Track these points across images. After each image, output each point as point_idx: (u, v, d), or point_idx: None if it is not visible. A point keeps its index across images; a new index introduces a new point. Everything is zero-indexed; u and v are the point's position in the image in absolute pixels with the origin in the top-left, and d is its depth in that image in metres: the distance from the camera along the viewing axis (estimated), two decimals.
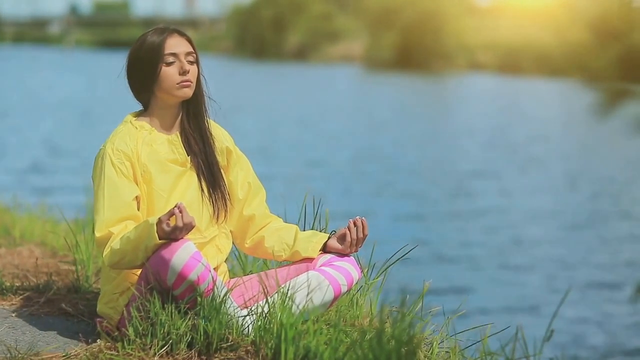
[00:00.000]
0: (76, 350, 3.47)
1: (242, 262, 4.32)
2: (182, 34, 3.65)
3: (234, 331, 3.39)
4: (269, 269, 3.93)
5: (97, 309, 3.66)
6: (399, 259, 3.97)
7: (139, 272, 3.52)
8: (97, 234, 3.48)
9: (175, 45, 3.60)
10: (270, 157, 17.34)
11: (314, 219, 4.12)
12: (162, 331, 3.35)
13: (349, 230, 3.70)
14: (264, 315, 3.38)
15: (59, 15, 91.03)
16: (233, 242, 3.85)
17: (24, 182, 14.13)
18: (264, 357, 3.31)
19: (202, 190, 3.68)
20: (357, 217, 3.73)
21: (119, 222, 3.48)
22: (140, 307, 3.40)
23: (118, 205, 3.49)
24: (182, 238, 3.36)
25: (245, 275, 3.91)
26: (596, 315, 8.33)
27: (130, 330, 3.39)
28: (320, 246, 3.72)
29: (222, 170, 3.76)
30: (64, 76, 41.53)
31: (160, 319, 3.35)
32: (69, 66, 50.66)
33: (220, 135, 3.80)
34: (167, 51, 3.58)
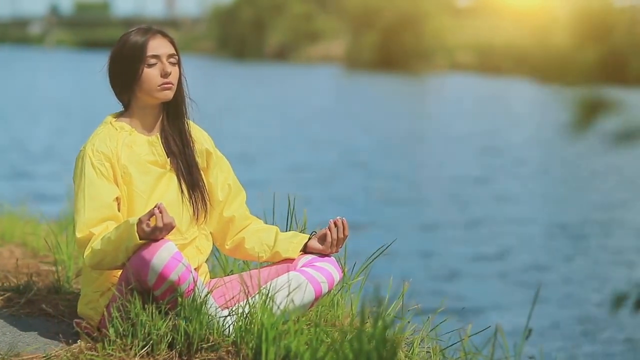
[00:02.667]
0: (56, 351, 3.46)
1: (222, 263, 4.32)
2: (165, 35, 3.65)
3: (215, 332, 3.39)
4: (250, 270, 3.93)
5: (78, 310, 3.66)
6: (377, 256, 3.98)
7: (119, 272, 3.52)
8: (78, 235, 3.47)
9: (158, 46, 3.59)
10: (250, 159, 17.29)
11: (291, 220, 4.12)
12: (142, 332, 3.35)
13: (330, 231, 3.71)
14: (244, 315, 3.39)
15: (39, 15, 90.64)
16: (214, 244, 3.85)
17: (4, 183, 14.06)
18: (244, 358, 3.31)
19: (182, 191, 3.68)
20: (338, 217, 3.74)
21: (99, 223, 3.48)
22: (121, 308, 3.40)
23: (98, 206, 3.49)
24: (162, 238, 3.36)
25: (226, 276, 3.91)
26: (596, 328, 8.25)
27: (111, 330, 3.39)
28: (300, 247, 3.73)
29: (201, 172, 3.76)
30: (46, 76, 41.37)
31: (141, 320, 3.35)
32: (50, 66, 50.50)
33: (200, 137, 3.80)
34: (149, 53, 3.57)
